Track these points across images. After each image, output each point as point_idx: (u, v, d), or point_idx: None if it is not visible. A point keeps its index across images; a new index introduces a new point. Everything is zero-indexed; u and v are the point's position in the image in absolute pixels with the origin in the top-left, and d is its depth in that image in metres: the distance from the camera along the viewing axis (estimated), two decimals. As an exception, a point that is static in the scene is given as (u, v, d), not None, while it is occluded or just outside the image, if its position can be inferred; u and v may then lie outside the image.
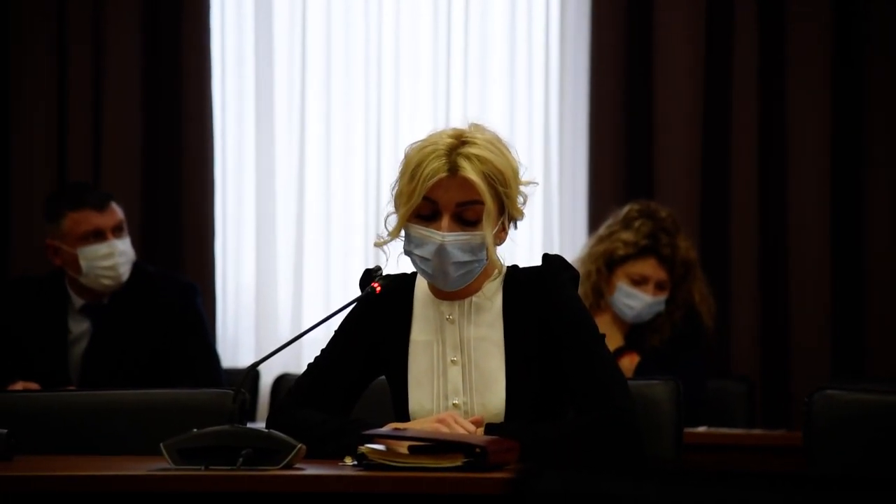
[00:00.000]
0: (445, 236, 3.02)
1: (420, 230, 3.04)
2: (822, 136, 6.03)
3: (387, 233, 3.09)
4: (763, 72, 6.07)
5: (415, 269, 3.13)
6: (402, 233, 3.08)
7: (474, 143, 3.04)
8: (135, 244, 5.01)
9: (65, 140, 6.11)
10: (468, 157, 3.02)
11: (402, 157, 3.10)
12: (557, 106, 6.17)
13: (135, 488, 2.68)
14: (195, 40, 6.10)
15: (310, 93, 6.18)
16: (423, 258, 3.05)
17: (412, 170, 3.04)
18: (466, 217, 3.05)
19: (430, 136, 3.08)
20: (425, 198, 3.03)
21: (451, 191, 3.03)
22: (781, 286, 6.05)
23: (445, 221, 3.03)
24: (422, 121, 6.13)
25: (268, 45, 6.19)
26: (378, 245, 3.11)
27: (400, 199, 3.06)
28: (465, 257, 3.04)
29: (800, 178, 6.04)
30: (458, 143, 3.04)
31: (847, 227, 6.05)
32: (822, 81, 6.04)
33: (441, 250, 3.02)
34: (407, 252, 3.09)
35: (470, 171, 3.01)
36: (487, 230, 3.03)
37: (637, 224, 5.14)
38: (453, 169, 3.02)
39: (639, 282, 5.11)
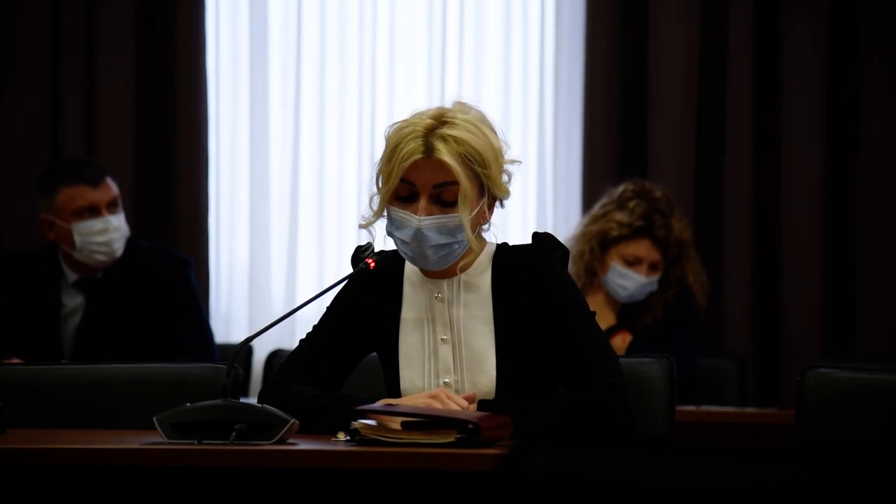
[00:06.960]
0: (422, 220, 3.01)
1: (399, 213, 3.04)
2: (817, 116, 6.03)
3: (371, 213, 3.09)
4: (758, 49, 6.06)
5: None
6: (385, 213, 3.08)
7: (453, 124, 3.02)
8: (129, 220, 5.00)
9: (59, 115, 6.10)
10: (444, 139, 3.01)
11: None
12: (552, 84, 6.17)
13: (128, 462, 2.68)
14: (190, 16, 6.09)
15: (305, 70, 6.17)
16: (402, 241, 3.05)
17: (390, 151, 3.03)
18: (444, 198, 3.03)
19: (412, 117, 3.07)
20: (403, 179, 3.02)
21: (428, 172, 3.02)
22: (774, 265, 6.06)
23: (422, 204, 3.02)
24: (416, 98, 6.12)
25: (263, 22, 6.18)
26: (363, 226, 3.11)
27: (380, 180, 3.06)
28: (443, 239, 3.03)
29: (794, 158, 6.05)
30: (437, 124, 3.03)
31: (840, 208, 6.06)
32: (817, 59, 6.03)
33: (418, 234, 3.02)
34: (389, 233, 3.09)
35: (445, 153, 3.00)
36: (464, 212, 3.01)
37: (632, 205, 5.13)
38: (428, 150, 3.01)
39: (632, 262, 5.10)
